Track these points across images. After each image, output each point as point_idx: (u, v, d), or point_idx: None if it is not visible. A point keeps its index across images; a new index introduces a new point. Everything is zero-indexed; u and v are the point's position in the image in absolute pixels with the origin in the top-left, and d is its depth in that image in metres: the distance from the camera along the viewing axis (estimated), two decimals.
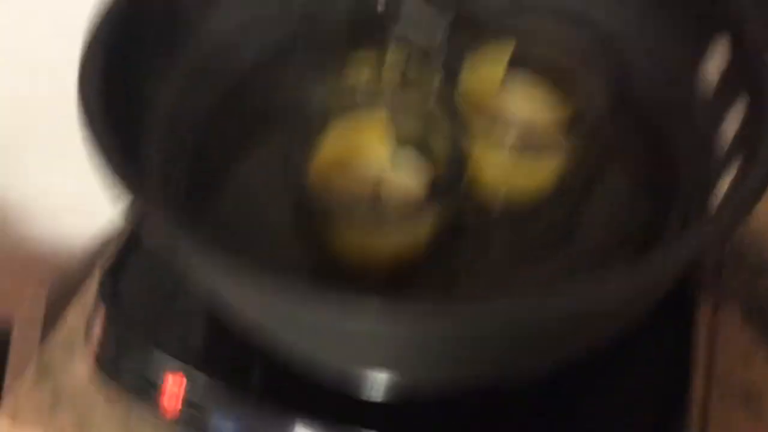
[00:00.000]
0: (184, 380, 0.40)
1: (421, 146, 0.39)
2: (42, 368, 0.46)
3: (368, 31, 0.43)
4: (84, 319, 0.45)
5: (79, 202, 0.75)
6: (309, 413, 0.38)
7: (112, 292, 0.43)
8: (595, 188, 0.40)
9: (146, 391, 0.40)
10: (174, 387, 0.40)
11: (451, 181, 0.35)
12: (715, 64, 0.38)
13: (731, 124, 0.36)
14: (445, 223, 0.36)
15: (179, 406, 0.40)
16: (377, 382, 0.37)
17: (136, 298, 0.43)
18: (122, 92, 0.35)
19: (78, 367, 0.45)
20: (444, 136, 0.37)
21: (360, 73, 0.40)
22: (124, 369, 0.41)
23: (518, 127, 0.38)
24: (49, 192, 0.79)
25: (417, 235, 0.35)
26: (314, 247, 0.37)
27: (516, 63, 0.41)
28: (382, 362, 0.32)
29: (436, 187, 0.35)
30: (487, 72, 0.41)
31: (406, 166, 0.39)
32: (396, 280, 0.36)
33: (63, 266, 0.60)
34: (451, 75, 0.39)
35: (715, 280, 0.46)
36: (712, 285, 0.43)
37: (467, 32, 0.41)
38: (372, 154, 0.39)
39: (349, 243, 0.35)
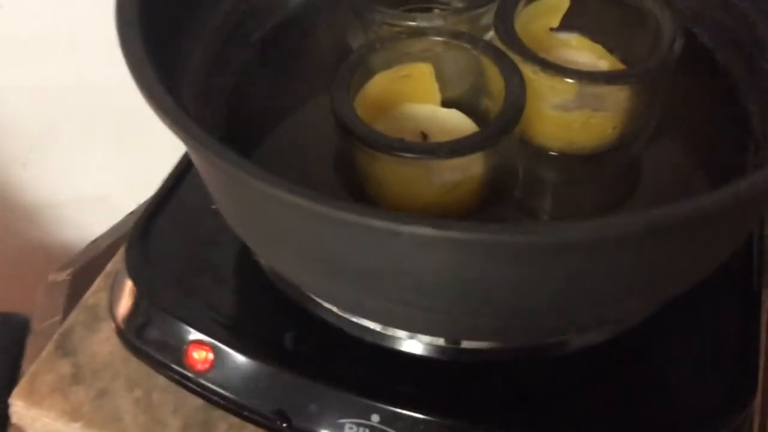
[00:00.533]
0: (211, 352, 0.37)
1: (470, 106, 0.36)
2: (61, 346, 0.43)
3: None
4: (106, 297, 0.43)
5: (102, 197, 0.75)
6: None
7: (138, 260, 0.41)
8: (658, 137, 0.38)
9: (172, 363, 0.38)
10: (200, 359, 0.37)
11: (505, 122, 0.32)
12: None
13: None
14: (496, 168, 0.33)
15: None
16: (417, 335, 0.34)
17: (162, 266, 0.41)
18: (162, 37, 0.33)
19: (98, 344, 0.43)
20: (496, 82, 0.34)
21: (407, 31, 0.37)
22: (149, 340, 0.39)
23: (575, 84, 0.35)
24: (74, 187, 0.78)
25: (468, 176, 0.32)
26: (359, 193, 0.34)
27: (571, 17, 0.39)
28: (430, 304, 0.29)
29: (488, 127, 0.32)
30: (541, 23, 0.38)
31: (455, 116, 0.36)
32: None
33: (84, 255, 0.58)
34: (504, 32, 0.36)
35: None
36: None
37: None
38: (418, 105, 0.36)
39: (399, 183, 0.32)
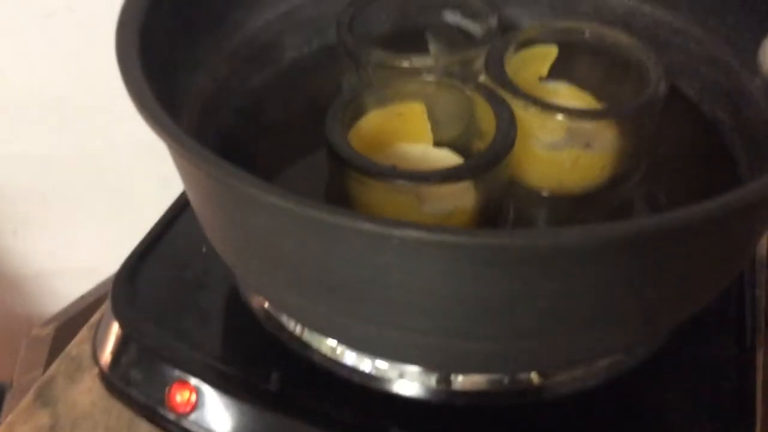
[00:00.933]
0: (195, 394, 0.36)
1: (462, 148, 0.37)
2: (41, 396, 0.42)
3: (409, 40, 0.43)
4: (89, 348, 0.42)
5: (92, 269, 0.74)
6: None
7: (124, 301, 0.40)
8: (646, 180, 0.38)
9: (155, 405, 0.37)
10: (183, 400, 0.36)
11: (495, 152, 0.33)
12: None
13: None
14: (487, 201, 0.33)
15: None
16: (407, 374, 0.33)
17: (148, 307, 0.40)
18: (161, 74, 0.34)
19: (79, 394, 0.41)
20: (487, 120, 0.35)
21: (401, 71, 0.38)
22: (133, 381, 0.38)
23: (564, 121, 0.35)
24: (63, 258, 0.78)
25: (460, 207, 0.32)
26: None
27: (559, 67, 0.40)
28: (417, 322, 0.28)
29: (480, 157, 0.33)
30: (530, 72, 0.40)
31: (447, 156, 0.37)
32: None
33: (69, 310, 0.57)
34: (495, 72, 0.37)
35: None
36: None
37: (510, 36, 0.39)
38: (410, 144, 0.37)
39: (391, 212, 0.32)
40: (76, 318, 0.54)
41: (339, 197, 0.34)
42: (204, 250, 0.42)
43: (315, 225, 0.26)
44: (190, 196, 0.33)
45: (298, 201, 0.25)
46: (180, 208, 0.45)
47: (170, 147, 0.28)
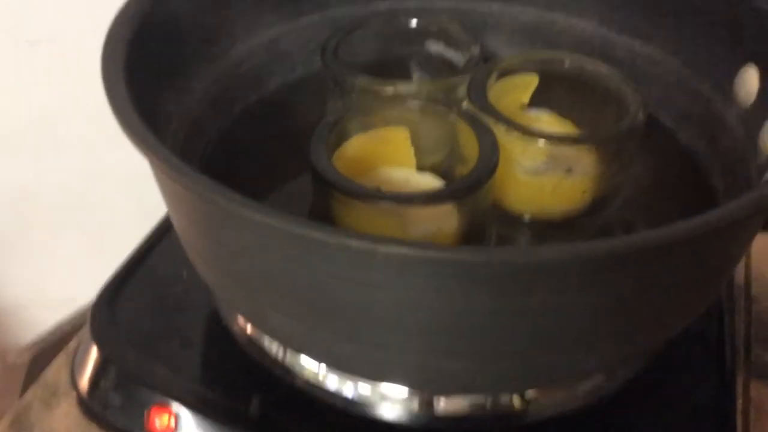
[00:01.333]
0: (174, 418, 0.36)
1: (445, 174, 0.37)
2: (16, 422, 0.41)
3: (393, 68, 0.43)
4: (66, 374, 0.41)
5: (69, 299, 0.73)
6: None
7: (103, 324, 0.40)
8: (627, 207, 0.39)
9: (133, 429, 0.36)
10: (162, 425, 0.36)
11: (478, 175, 0.33)
12: (744, 89, 0.38)
13: None
14: (470, 225, 0.34)
15: None
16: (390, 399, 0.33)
17: (127, 330, 0.40)
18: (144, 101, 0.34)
19: (55, 420, 0.41)
20: (470, 146, 0.35)
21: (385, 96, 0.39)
22: (111, 405, 0.37)
23: (545, 146, 0.36)
24: (40, 289, 0.77)
25: (443, 230, 0.33)
26: None
27: (540, 95, 0.41)
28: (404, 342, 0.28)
29: (463, 180, 0.33)
30: (512, 99, 0.40)
31: (429, 180, 0.37)
32: None
33: (46, 338, 0.56)
34: (478, 99, 0.38)
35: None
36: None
37: (492, 64, 0.40)
38: (394, 168, 0.37)
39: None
40: (52, 346, 0.53)
41: (323, 219, 0.34)
42: (185, 274, 0.42)
43: (300, 241, 0.26)
44: (173, 216, 0.33)
45: (282, 217, 0.25)
46: (161, 233, 0.45)
47: (154, 165, 0.28)
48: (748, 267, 0.51)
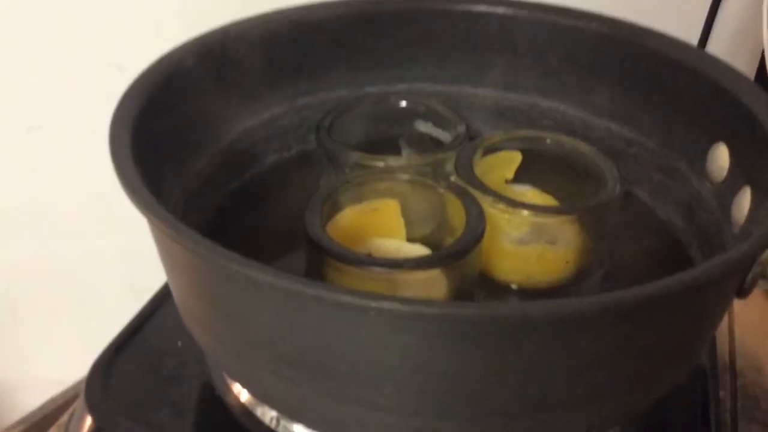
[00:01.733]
0: None
1: (434, 245, 0.39)
2: None
3: (384, 146, 0.45)
4: None
5: (59, 381, 0.73)
6: None
7: (98, 393, 0.40)
8: (609, 278, 0.40)
9: None
10: None
11: (465, 243, 0.34)
12: (715, 165, 0.40)
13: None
14: (458, 292, 0.35)
15: None
16: None
17: (122, 400, 0.40)
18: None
19: None
20: (458, 217, 0.37)
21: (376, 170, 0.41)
22: None
23: (529, 216, 0.38)
24: (31, 370, 0.77)
25: (430, 297, 0.34)
26: None
27: (523, 172, 0.43)
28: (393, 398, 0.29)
29: (450, 246, 0.34)
30: (497, 175, 0.42)
31: (419, 251, 0.38)
32: None
33: (39, 412, 0.56)
34: (465, 173, 0.40)
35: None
36: None
37: (477, 142, 0.42)
38: (385, 239, 0.39)
39: None
40: (43, 421, 0.52)
41: None
42: (180, 344, 0.42)
43: (294, 299, 0.27)
44: (172, 280, 0.34)
45: (278, 274, 0.26)
46: (156, 306, 0.46)
47: (156, 227, 0.30)
48: (732, 342, 0.52)
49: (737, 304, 0.54)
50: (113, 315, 0.47)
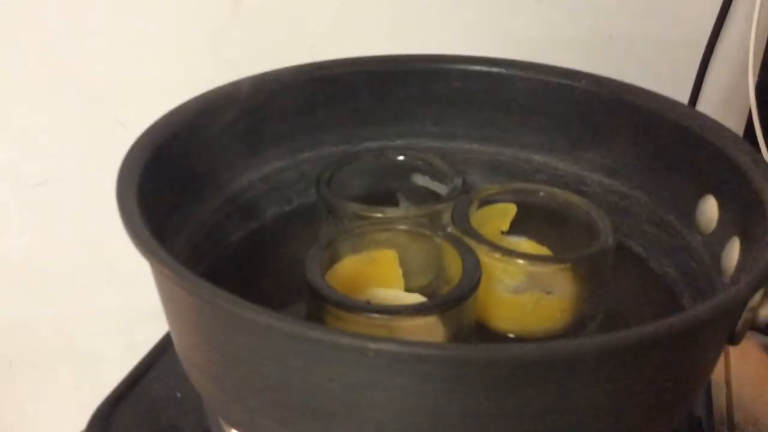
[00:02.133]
0: None
1: (431, 295, 0.40)
2: None
3: (382, 200, 0.46)
4: None
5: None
6: None
7: None
8: (604, 328, 0.41)
9: None
10: None
11: (461, 290, 0.35)
12: (705, 217, 0.42)
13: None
14: (456, 340, 0.36)
15: None
16: None
17: None
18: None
19: None
20: (454, 266, 0.38)
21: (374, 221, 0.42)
22: None
23: (524, 265, 0.39)
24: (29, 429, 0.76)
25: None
26: None
27: (518, 224, 0.44)
28: None
29: (447, 294, 0.35)
30: (492, 226, 0.43)
31: (417, 300, 0.39)
32: None
33: None
34: (461, 224, 0.41)
35: None
36: None
37: (473, 194, 0.44)
38: (383, 288, 0.39)
39: None
40: None
41: None
42: (179, 395, 0.42)
43: (294, 342, 0.27)
44: (172, 325, 0.35)
45: (278, 317, 0.27)
46: (155, 357, 0.46)
47: (159, 271, 0.30)
48: (729, 394, 0.53)
49: (734, 357, 0.54)
50: (112, 371, 0.48)
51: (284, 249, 0.47)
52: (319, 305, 0.35)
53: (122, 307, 0.72)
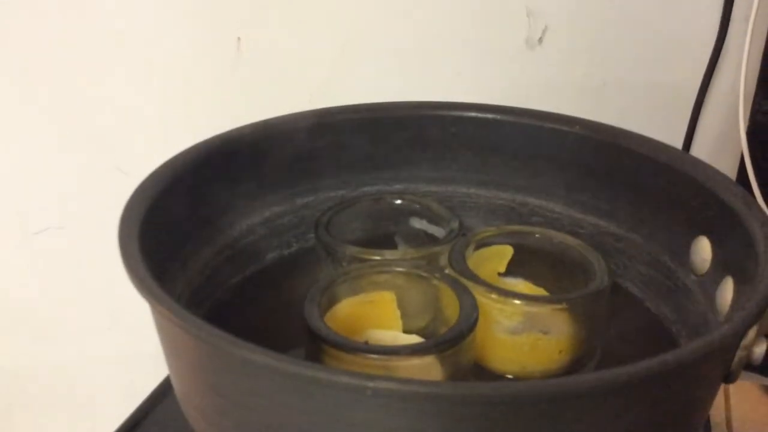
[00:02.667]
0: None
1: (428, 335, 0.40)
2: None
3: (380, 242, 0.47)
4: None
5: None
6: None
7: None
8: (600, 367, 0.41)
9: None
10: None
11: (459, 330, 0.36)
12: (699, 257, 0.42)
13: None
14: (455, 379, 0.36)
15: None
16: None
17: None
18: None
19: None
20: (452, 307, 0.38)
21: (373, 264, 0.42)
22: None
23: (521, 306, 0.39)
24: None
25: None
26: None
27: (515, 266, 0.45)
28: None
29: (445, 334, 0.36)
30: (489, 268, 0.44)
31: (415, 339, 0.39)
32: None
33: None
34: (458, 265, 0.41)
35: None
36: None
37: (470, 236, 0.44)
38: (382, 330, 0.40)
39: None
40: None
41: None
42: None
43: (293, 381, 0.28)
44: (172, 368, 0.35)
45: (277, 357, 0.27)
46: (155, 401, 0.46)
47: (159, 313, 0.31)
48: None
49: (734, 399, 0.54)
50: (111, 417, 0.48)
51: (284, 292, 0.47)
52: (318, 347, 0.35)
53: (122, 353, 0.72)
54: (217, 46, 0.60)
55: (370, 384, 0.26)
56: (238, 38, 0.59)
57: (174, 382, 0.36)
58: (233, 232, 0.46)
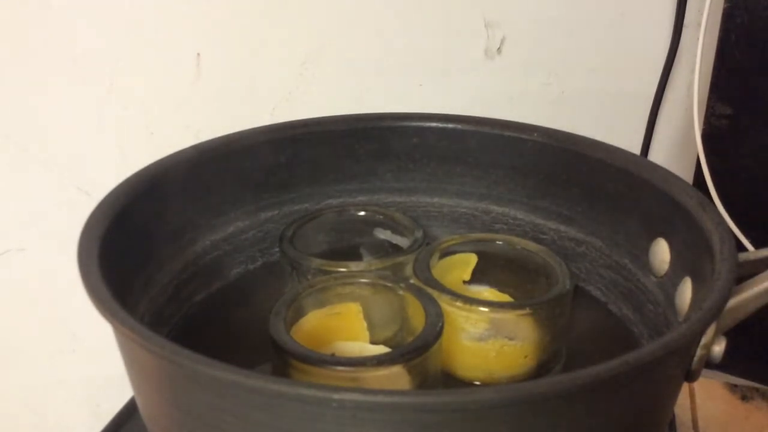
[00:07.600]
0: None
1: (395, 346, 0.40)
2: None
3: (345, 254, 0.47)
4: None
5: None
6: None
7: None
8: (566, 371, 0.41)
9: None
10: None
11: (425, 339, 0.36)
12: (658, 259, 0.43)
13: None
14: (424, 388, 0.36)
15: None
16: None
17: None
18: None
19: None
20: (418, 316, 0.39)
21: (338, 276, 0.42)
22: None
23: (486, 313, 0.39)
24: None
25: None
26: None
27: (479, 273, 0.45)
28: None
29: (411, 343, 0.36)
30: (454, 276, 0.44)
31: (382, 350, 0.39)
32: None
33: None
34: (423, 275, 0.41)
35: None
36: None
37: (434, 245, 0.45)
38: (349, 342, 0.40)
39: None
40: None
41: None
42: None
43: (257, 396, 0.28)
44: (136, 388, 0.34)
45: (241, 372, 0.27)
46: (120, 422, 0.45)
47: (121, 333, 0.30)
48: None
49: (700, 396, 0.55)
50: None
51: (250, 308, 0.47)
52: (285, 360, 0.35)
53: (87, 375, 0.71)
54: (177, 62, 0.59)
55: (336, 396, 0.26)
56: (198, 54, 0.59)
57: (139, 403, 0.36)
58: (197, 249, 0.46)
